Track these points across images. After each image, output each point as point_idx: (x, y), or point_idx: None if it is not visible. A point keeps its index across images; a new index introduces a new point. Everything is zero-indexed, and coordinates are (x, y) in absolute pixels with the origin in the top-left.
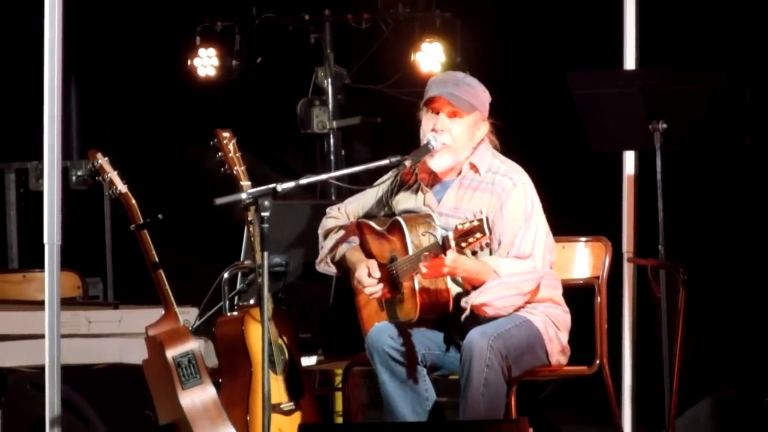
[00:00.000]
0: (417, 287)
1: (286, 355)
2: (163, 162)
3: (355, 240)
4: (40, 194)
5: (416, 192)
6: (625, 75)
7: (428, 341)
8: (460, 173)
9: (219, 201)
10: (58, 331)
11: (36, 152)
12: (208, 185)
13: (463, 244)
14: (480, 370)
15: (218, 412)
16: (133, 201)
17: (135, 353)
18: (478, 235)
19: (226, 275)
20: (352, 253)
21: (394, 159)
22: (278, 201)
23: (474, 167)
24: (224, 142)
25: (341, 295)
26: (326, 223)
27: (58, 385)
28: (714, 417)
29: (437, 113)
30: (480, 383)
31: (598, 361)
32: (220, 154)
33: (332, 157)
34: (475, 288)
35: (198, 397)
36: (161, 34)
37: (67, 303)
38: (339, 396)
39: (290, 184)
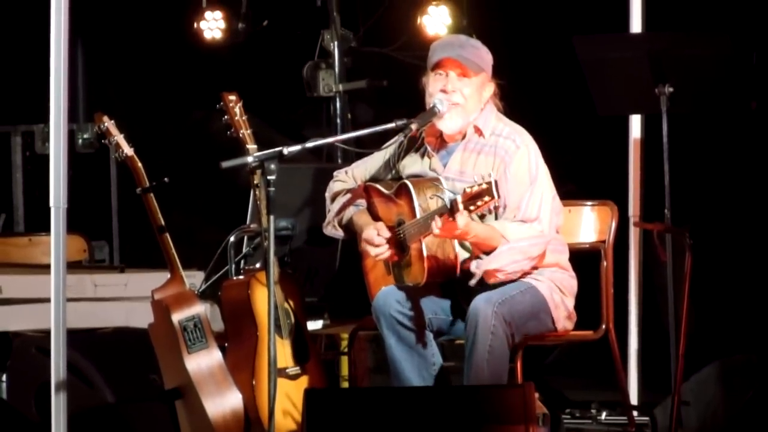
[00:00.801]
0: (425, 251)
1: (292, 320)
2: (170, 125)
3: (362, 203)
4: (46, 157)
5: (422, 156)
6: (631, 39)
7: (435, 306)
8: (464, 137)
9: (225, 164)
10: (64, 295)
11: (42, 115)
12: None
13: (472, 207)
14: (485, 336)
15: (224, 376)
16: (139, 164)
17: (141, 317)
18: (486, 198)
19: (232, 239)
20: (359, 216)
21: (400, 122)
22: (284, 164)
23: (478, 130)
24: (230, 105)
25: (347, 259)
26: (333, 186)
27: (63, 349)
28: (720, 382)
29: (446, 75)
30: (485, 350)
31: (604, 326)
32: (226, 117)
33: (338, 121)
34: (486, 254)
35: (204, 362)
36: None
37: (73, 266)
38: (345, 360)
39: (296, 148)
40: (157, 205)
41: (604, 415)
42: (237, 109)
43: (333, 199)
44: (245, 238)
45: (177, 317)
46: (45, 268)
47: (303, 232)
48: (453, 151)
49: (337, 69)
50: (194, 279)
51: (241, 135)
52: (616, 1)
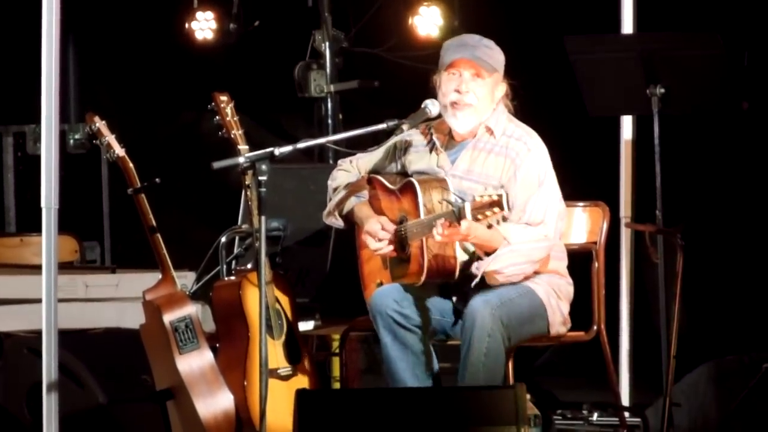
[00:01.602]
0: (425, 251)
1: (284, 320)
2: (161, 125)
3: (364, 194)
4: (38, 158)
5: (430, 152)
6: (622, 39)
7: (431, 306)
8: (475, 135)
9: (216, 165)
10: (55, 296)
11: (33, 115)
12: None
13: (480, 217)
14: (481, 338)
15: (215, 377)
16: (131, 164)
17: (132, 318)
18: (496, 209)
19: (223, 239)
20: (360, 208)
21: (391, 123)
22: (276, 165)
23: (489, 130)
24: (222, 105)
25: (339, 260)
26: (337, 175)
27: (55, 349)
28: (712, 383)
29: (459, 75)
30: (481, 352)
31: (595, 327)
32: (217, 117)
33: (330, 121)
34: (488, 254)
35: (195, 362)
36: None
37: (64, 267)
38: (336, 361)
39: (288, 148)
40: (149, 205)
41: (595, 416)
42: (228, 110)
43: (335, 189)
44: (236, 238)
45: (168, 318)
46: (36, 269)
47: (294, 233)
48: (462, 149)
49: (328, 69)
50: (185, 280)
51: (232, 135)
52: (607, 2)
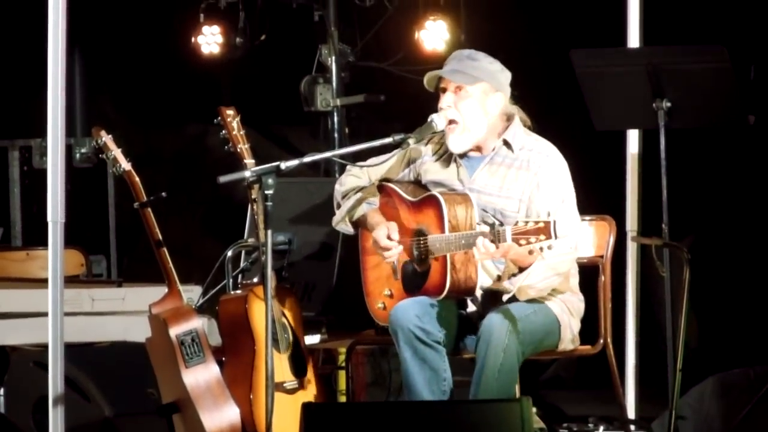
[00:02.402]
0: (449, 267)
1: (290, 334)
2: (167, 140)
3: (375, 201)
4: (44, 172)
5: (448, 163)
6: (628, 53)
7: (449, 321)
8: (494, 150)
9: (223, 179)
10: (62, 309)
11: (40, 129)
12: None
13: (522, 242)
14: (497, 354)
15: (221, 391)
16: (137, 178)
17: (138, 331)
18: (542, 237)
19: (229, 253)
20: (372, 216)
21: (397, 137)
22: (282, 179)
23: (507, 144)
24: (228, 119)
25: (345, 273)
26: (346, 180)
27: (61, 363)
28: (718, 397)
29: (444, 92)
30: (496, 368)
31: (601, 340)
32: (223, 131)
33: (336, 135)
34: (521, 270)
35: (201, 376)
36: (165, 11)
37: (70, 281)
38: (342, 375)
39: (294, 162)
40: (155, 219)
41: (601, 429)
42: (235, 124)
43: (345, 194)
44: (243, 252)
45: (174, 331)
46: (42, 283)
47: (300, 247)
48: (480, 162)
49: (334, 83)
50: (192, 293)
51: (238, 149)
52: (613, 15)
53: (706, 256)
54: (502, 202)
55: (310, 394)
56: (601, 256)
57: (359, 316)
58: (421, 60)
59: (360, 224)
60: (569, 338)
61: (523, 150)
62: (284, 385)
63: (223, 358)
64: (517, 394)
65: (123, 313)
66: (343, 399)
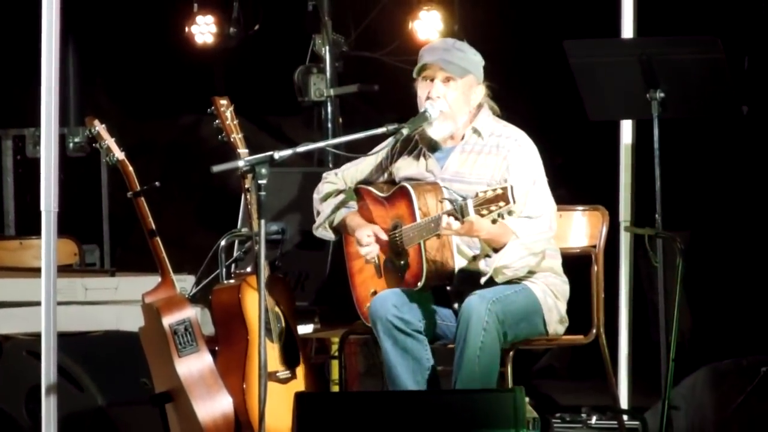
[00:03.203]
0: (424, 254)
1: (283, 324)
2: (161, 129)
3: (353, 205)
4: (37, 161)
5: (418, 158)
6: (622, 44)
7: (429, 310)
8: (462, 138)
9: (216, 168)
10: (55, 298)
11: (33, 119)
12: (206, 152)
13: (484, 212)
14: (477, 332)
15: (214, 380)
16: (131, 168)
17: (131, 321)
18: (501, 203)
19: (222, 243)
20: (351, 218)
21: (391, 127)
22: (275, 168)
23: (476, 132)
24: (222, 109)
25: (338, 263)
26: (322, 188)
27: (54, 352)
28: (711, 387)
29: (431, 80)
30: (476, 346)
31: (594, 330)
32: (217, 121)
33: (329, 125)
34: (496, 250)
35: (194, 365)
36: (159, 0)
37: (63, 270)
38: (335, 364)
39: (287, 152)
40: (148, 208)
41: (594, 419)
42: (228, 114)
43: (322, 201)
44: (236, 242)
45: (167, 321)
46: (36, 272)
47: (294, 236)
48: (451, 152)
49: (328, 73)
50: (185, 283)
51: (232, 139)
52: (607, 6)
53: (699, 246)
54: (473, 189)
55: (302, 383)
56: (594, 246)
57: (352, 306)
58: (415, 50)
59: (340, 229)
60: (556, 319)
61: (492, 136)
62: (277, 374)
63: (216, 348)
64: (510, 383)
65: (116, 303)
66: (335, 388)
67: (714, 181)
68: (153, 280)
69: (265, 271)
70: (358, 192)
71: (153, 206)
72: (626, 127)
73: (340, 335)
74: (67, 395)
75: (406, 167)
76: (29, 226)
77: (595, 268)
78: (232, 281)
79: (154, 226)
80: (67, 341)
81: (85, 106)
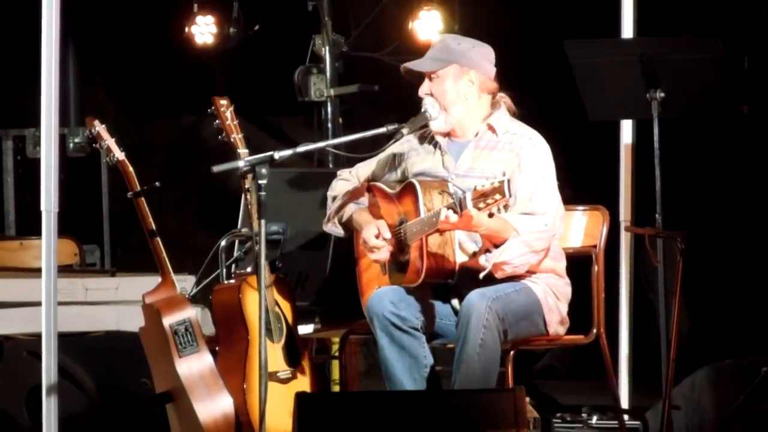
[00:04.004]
0: (424, 250)
1: (283, 324)
2: (161, 129)
3: (363, 201)
4: (38, 161)
5: (433, 153)
6: (622, 44)
7: (428, 308)
8: (477, 134)
9: (216, 168)
10: (55, 299)
11: (33, 119)
12: (206, 153)
13: (481, 205)
14: (477, 330)
15: (215, 380)
16: (131, 168)
17: (132, 321)
18: (497, 196)
19: (223, 243)
20: (359, 214)
21: (391, 127)
22: (275, 169)
23: (491, 128)
24: (222, 109)
25: (338, 263)
26: (336, 185)
27: (54, 352)
28: (712, 386)
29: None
30: (476, 343)
31: (595, 330)
32: (217, 121)
33: (329, 125)
34: (496, 246)
35: (195, 365)
36: (159, 1)
37: (64, 270)
38: (336, 364)
39: (287, 152)
40: (148, 209)
41: (595, 419)
42: (228, 114)
43: (335, 198)
44: (236, 242)
45: (168, 321)
46: (36, 272)
47: (294, 237)
48: (465, 147)
49: (328, 74)
50: (185, 283)
51: (232, 139)
52: (607, 6)
53: (699, 246)
54: (484, 183)
55: (303, 383)
56: (595, 246)
57: (353, 305)
58: (415, 50)
59: (348, 225)
60: (557, 320)
61: (506, 134)
62: (278, 374)
63: (217, 348)
64: (510, 383)
65: (116, 303)
66: (336, 388)
67: (714, 180)
68: (153, 281)
69: (265, 271)
70: (369, 189)
71: (153, 206)
72: (626, 127)
73: (341, 335)
74: (68, 395)
75: (420, 162)
76: (30, 227)
77: (596, 267)
78: (232, 281)
79: (154, 227)
80: (68, 341)
81: (85, 107)
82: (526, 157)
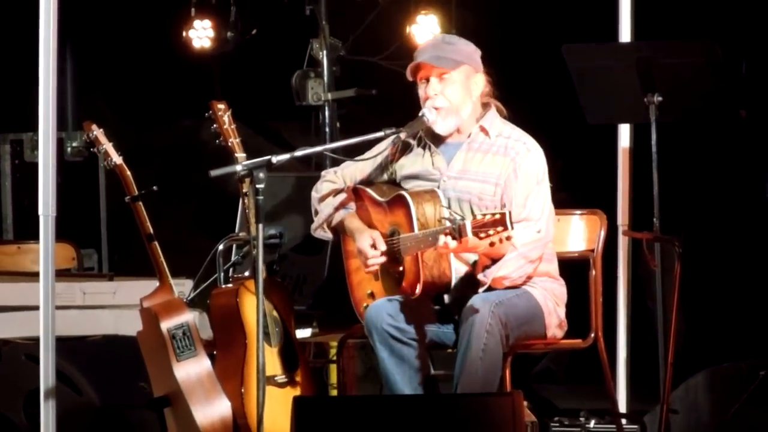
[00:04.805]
0: (421, 264)
1: (281, 328)
2: (158, 133)
3: (352, 206)
4: (35, 165)
5: (423, 155)
6: (620, 48)
7: (426, 317)
8: (469, 136)
9: (214, 173)
10: (53, 303)
11: (31, 123)
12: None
13: (482, 235)
14: (480, 335)
15: (213, 384)
16: (128, 172)
17: (130, 325)
18: (499, 228)
19: (221, 247)
20: (350, 221)
21: (388, 131)
22: (273, 173)
23: (484, 130)
24: (219, 113)
25: (336, 267)
26: (321, 187)
27: (52, 356)
28: (710, 390)
29: (427, 81)
30: (479, 348)
31: (592, 334)
32: (215, 125)
33: (327, 129)
34: (494, 261)
35: (192, 369)
36: (157, 5)
37: (61, 274)
38: (333, 368)
39: (285, 156)
40: (146, 213)
41: (592, 423)
42: (226, 118)
43: (321, 200)
44: (234, 246)
45: (166, 325)
46: (34, 276)
47: (291, 241)
48: (456, 150)
49: (325, 78)
50: (183, 287)
51: (229, 143)
52: (605, 10)
53: (697, 250)
54: (479, 187)
55: (301, 387)
56: (592, 251)
57: (350, 309)
58: (413, 54)
59: (339, 230)
60: (555, 324)
61: (500, 137)
62: (275, 378)
63: (215, 352)
64: (508, 387)
65: (114, 307)
66: (334, 393)
67: (711, 184)
68: (151, 285)
69: (263, 275)
70: (356, 192)
71: (151, 210)
72: (624, 131)
73: (339, 339)
74: (66, 399)
75: (409, 165)
76: (27, 231)
77: (594, 272)
78: (230, 285)
79: (152, 231)
80: (66, 345)
81: (82, 111)
82: (522, 163)
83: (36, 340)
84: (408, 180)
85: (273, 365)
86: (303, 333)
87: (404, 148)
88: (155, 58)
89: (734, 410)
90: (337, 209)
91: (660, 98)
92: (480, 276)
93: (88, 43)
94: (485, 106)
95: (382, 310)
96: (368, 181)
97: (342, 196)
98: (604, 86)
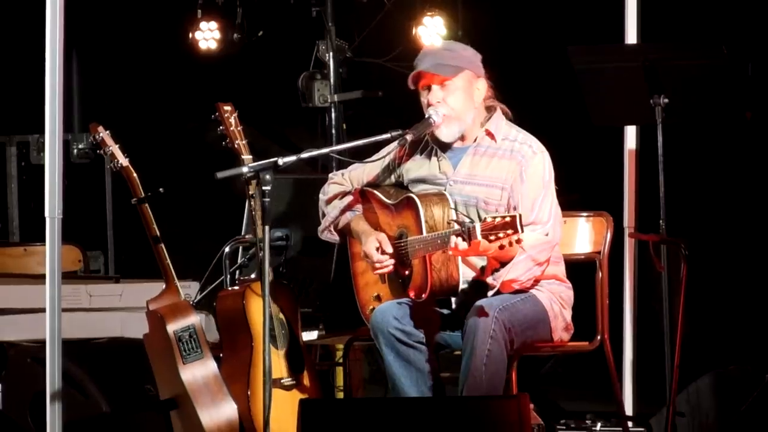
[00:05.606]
0: (429, 267)
1: (287, 330)
2: (165, 135)
3: (359, 208)
4: (42, 167)
5: (429, 159)
6: (626, 49)
7: (432, 320)
8: (475, 140)
9: (220, 175)
10: (59, 305)
11: (37, 125)
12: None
13: (492, 238)
14: (483, 341)
15: (219, 387)
16: (135, 174)
17: (136, 327)
18: (509, 231)
19: (227, 249)
20: (357, 223)
21: (395, 133)
22: (279, 175)
23: (490, 134)
24: (225, 115)
25: (342, 270)
26: (329, 189)
27: (59, 359)
28: (715, 393)
29: (428, 89)
30: (483, 354)
31: (599, 337)
32: (221, 127)
33: (333, 131)
34: (503, 264)
35: (199, 372)
36: (163, 6)
37: (68, 277)
38: (340, 371)
39: (291, 158)
40: (152, 215)
41: (599, 425)
42: (232, 120)
43: (328, 202)
44: (240, 248)
45: (172, 328)
46: (40, 278)
47: (298, 243)
48: (462, 154)
49: (332, 79)
50: (189, 289)
51: (236, 145)
52: (611, 12)
53: (703, 252)
54: (485, 191)
55: (307, 390)
56: (599, 253)
57: (357, 312)
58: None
59: (345, 233)
60: (561, 327)
61: (506, 140)
62: (282, 381)
63: (221, 354)
64: (514, 389)
65: (120, 309)
66: (340, 395)
67: (718, 186)
68: (157, 287)
69: (269, 277)
70: (364, 194)
71: (157, 212)
72: (630, 133)
73: (345, 342)
74: (72, 402)
75: (416, 168)
76: (33, 233)
77: (600, 274)
78: (236, 288)
79: (158, 233)
80: (72, 348)
81: (88, 113)
82: (528, 166)
83: (42, 342)
84: (415, 184)
85: (279, 368)
86: (309, 335)
87: (412, 152)
88: (161, 60)
89: (740, 413)
90: (343, 211)
91: (666, 100)
92: (489, 279)
93: (94, 44)
94: (489, 109)
95: (388, 313)
96: (375, 183)
97: (349, 198)
98: (610, 88)
